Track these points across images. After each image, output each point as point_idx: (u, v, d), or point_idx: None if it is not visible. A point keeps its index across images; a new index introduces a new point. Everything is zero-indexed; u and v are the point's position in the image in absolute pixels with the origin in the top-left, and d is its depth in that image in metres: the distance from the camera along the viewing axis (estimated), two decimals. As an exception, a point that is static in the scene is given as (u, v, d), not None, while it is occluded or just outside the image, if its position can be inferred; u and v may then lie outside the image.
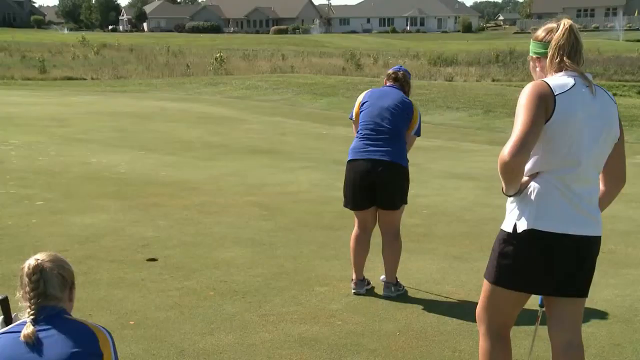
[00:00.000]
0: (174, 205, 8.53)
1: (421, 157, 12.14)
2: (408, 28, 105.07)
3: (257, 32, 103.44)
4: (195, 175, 10.53)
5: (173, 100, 22.29)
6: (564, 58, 3.04)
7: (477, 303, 3.33)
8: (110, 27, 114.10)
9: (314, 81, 26.07)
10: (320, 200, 8.90)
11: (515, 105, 3.02)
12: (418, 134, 5.48)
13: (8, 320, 2.78)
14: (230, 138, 14.53)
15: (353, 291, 5.63)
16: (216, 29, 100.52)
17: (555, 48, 3.05)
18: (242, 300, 5.41)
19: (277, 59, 40.61)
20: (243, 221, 7.85)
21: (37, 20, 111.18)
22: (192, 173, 10.68)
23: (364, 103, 5.43)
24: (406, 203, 5.53)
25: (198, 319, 5.03)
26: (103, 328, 2.67)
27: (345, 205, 5.55)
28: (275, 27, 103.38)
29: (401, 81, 5.58)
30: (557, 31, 3.07)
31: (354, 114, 5.49)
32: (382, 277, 5.74)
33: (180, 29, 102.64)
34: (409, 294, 5.66)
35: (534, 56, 3.21)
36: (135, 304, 5.30)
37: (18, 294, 2.68)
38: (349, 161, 5.42)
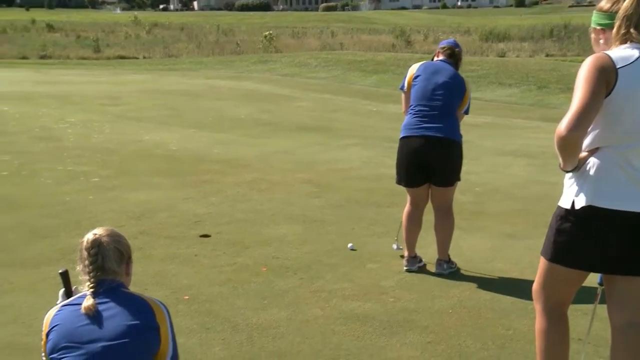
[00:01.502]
0: (225, 182, 8.59)
1: (473, 134, 11.98)
2: (459, 3, 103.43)
3: (306, 9, 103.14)
4: (246, 152, 10.59)
5: (223, 78, 22.43)
6: (631, 30, 2.94)
7: (531, 281, 3.28)
8: (161, 7, 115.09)
9: (364, 58, 25.89)
10: (371, 178, 8.89)
11: (571, 81, 2.93)
12: (467, 112, 5.41)
13: (69, 293, 2.84)
14: (280, 116, 14.56)
15: (405, 268, 5.61)
16: (265, 7, 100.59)
17: (622, 19, 2.95)
18: (294, 277, 5.42)
19: (326, 37, 40.44)
20: (294, 198, 7.89)
21: (91, 0, 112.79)
22: (242, 150, 10.74)
23: (417, 77, 5.37)
24: (460, 180, 5.48)
25: (251, 294, 5.07)
26: (159, 302, 2.71)
27: (398, 182, 5.53)
28: (324, 4, 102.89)
29: (456, 57, 5.51)
30: (624, 1, 2.98)
31: (405, 84, 5.42)
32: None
33: (229, 7, 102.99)
34: (461, 271, 5.62)
35: (598, 28, 3.11)
36: (189, 279, 5.36)
37: (77, 268, 2.73)
38: (403, 138, 5.38)
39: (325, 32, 44.21)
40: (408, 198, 5.56)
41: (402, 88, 5.47)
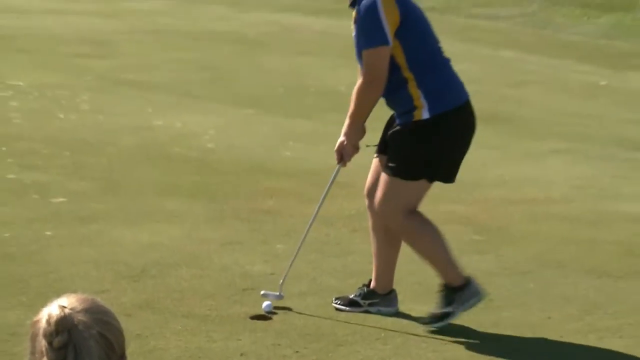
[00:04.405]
0: (305, 214, 8.54)
1: None
2: None
3: None
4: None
5: (307, 13, 22.46)
6: None
7: None
8: None
9: (587, -21, 25.63)
10: (589, 218, 8.96)
11: None
12: None
13: None
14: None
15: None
16: None
17: None
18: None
19: None
20: None
21: None
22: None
23: (406, 14, 6.67)
24: None
25: None
26: None
27: (433, 178, 6.88)
28: None
29: None
30: None
31: (388, 35, 6.56)
32: None
33: None
34: None
35: None
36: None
37: None
38: (457, 108, 6.82)
39: None
40: (407, 205, 6.79)
41: (386, 43, 6.59)
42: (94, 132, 11.36)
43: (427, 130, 6.58)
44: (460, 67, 16.11)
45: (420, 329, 6.66)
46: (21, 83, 13.74)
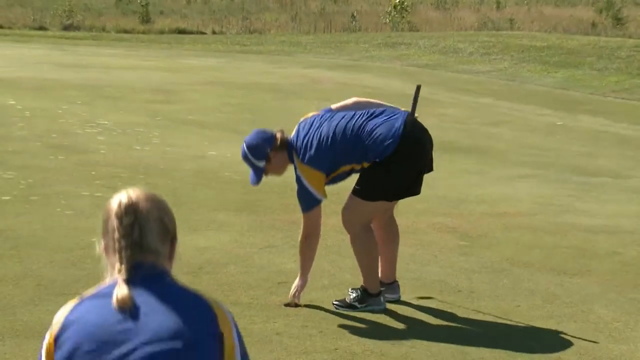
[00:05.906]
0: (327, 224, 8.43)
1: None
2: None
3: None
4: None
5: (330, 68, 22.71)
6: None
7: None
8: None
9: (546, 43, 25.76)
10: (549, 228, 8.98)
11: None
12: None
13: None
14: (414, 127, 14.60)
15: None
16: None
17: None
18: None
19: (488, 9, 40.37)
20: (427, 254, 8.05)
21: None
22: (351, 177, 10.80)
23: (331, 151, 6.60)
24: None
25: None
26: (222, 304, 2.76)
27: (390, 199, 6.71)
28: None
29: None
30: None
31: (319, 196, 6.66)
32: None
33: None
34: None
35: None
36: (267, 370, 5.49)
37: (98, 248, 2.81)
38: (414, 142, 6.46)
39: (488, 2, 44.18)
40: (364, 219, 6.72)
41: (318, 202, 6.71)
42: (162, 160, 11.50)
43: (380, 166, 6.43)
44: (448, 111, 16.61)
45: (417, 314, 6.68)
46: (107, 122, 13.95)
